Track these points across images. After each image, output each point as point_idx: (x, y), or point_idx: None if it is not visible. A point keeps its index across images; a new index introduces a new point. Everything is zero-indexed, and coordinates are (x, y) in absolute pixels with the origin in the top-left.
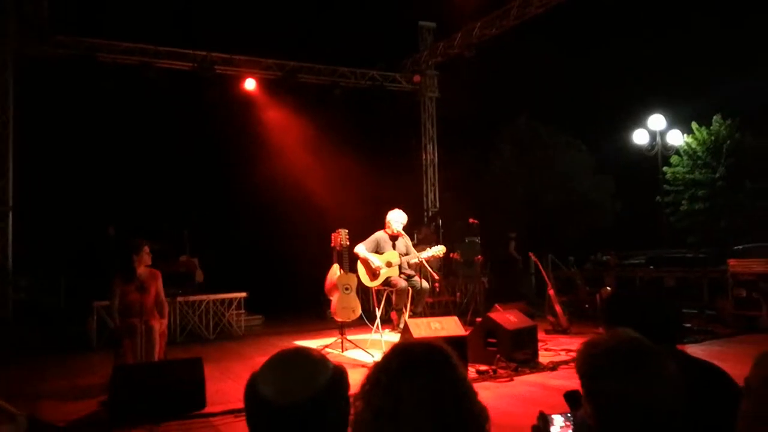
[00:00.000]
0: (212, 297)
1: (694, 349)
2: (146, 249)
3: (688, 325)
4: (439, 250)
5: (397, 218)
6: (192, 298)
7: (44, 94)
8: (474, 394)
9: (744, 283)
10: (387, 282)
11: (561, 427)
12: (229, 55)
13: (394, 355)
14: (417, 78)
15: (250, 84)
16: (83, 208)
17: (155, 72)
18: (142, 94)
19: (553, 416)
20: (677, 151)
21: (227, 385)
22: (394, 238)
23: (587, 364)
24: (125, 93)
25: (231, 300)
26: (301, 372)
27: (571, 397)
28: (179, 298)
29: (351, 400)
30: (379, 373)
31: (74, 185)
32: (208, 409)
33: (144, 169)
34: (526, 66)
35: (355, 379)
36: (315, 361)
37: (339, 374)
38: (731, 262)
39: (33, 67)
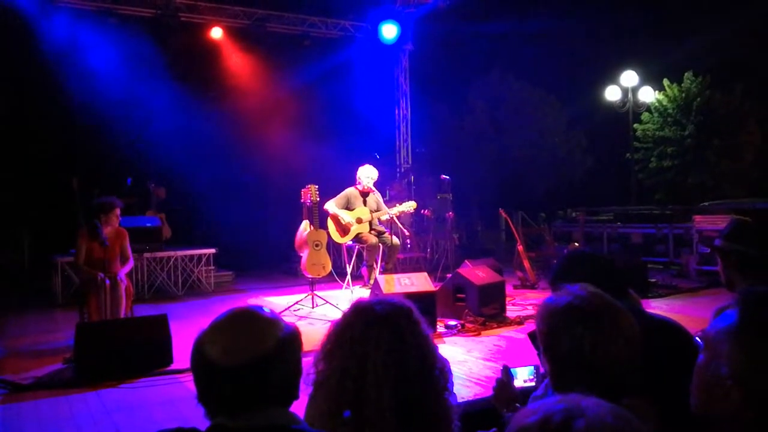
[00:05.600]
0: (180, 253)
1: (658, 304)
2: (117, 212)
3: (653, 279)
4: (409, 205)
5: (368, 174)
6: (160, 254)
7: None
8: (435, 348)
9: (709, 239)
10: (358, 238)
11: (525, 380)
12: (193, 1)
13: (355, 314)
14: (390, 29)
15: (216, 33)
16: (45, 160)
17: (116, 18)
18: (102, 40)
19: (516, 370)
20: (648, 108)
21: None
22: (365, 194)
23: (546, 319)
24: (84, 39)
25: (200, 256)
26: (248, 333)
27: (535, 336)
28: (146, 255)
29: (314, 361)
30: (340, 332)
31: (36, 136)
32: (174, 366)
33: (106, 119)
34: (500, 21)
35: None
36: (264, 321)
37: (289, 335)
38: (697, 218)
39: None
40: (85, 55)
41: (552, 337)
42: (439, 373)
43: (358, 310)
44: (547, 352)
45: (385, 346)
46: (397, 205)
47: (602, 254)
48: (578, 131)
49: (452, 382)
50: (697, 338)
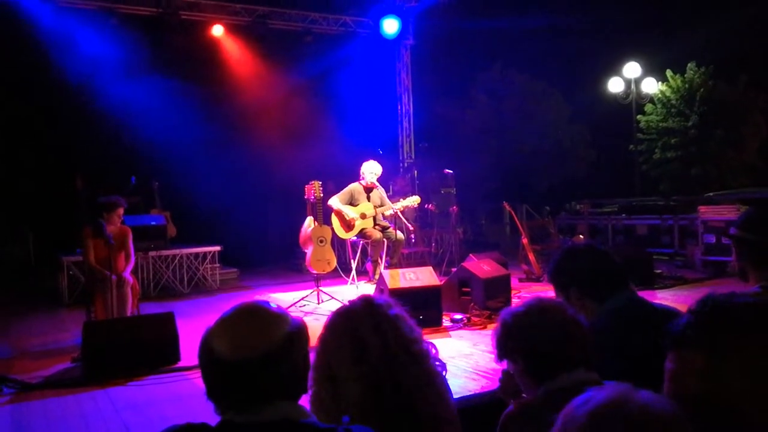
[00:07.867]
0: (185, 251)
1: (664, 295)
2: (119, 211)
3: (659, 270)
4: (413, 200)
5: (371, 169)
6: (165, 252)
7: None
8: (419, 337)
9: (714, 230)
10: (362, 233)
11: None
12: None
13: (342, 309)
14: (391, 24)
15: (217, 30)
16: (49, 159)
17: (117, 17)
18: (104, 40)
19: None
20: (651, 99)
21: None
22: (368, 189)
23: (512, 324)
24: (86, 38)
25: (205, 254)
26: (255, 327)
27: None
28: (152, 253)
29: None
30: (329, 326)
31: (39, 135)
32: (182, 363)
33: (109, 118)
34: (501, 14)
35: None
36: (271, 315)
37: (297, 329)
38: (702, 208)
39: None
40: (88, 54)
41: (517, 336)
42: (422, 354)
43: (347, 304)
44: (516, 351)
45: (370, 333)
46: (401, 200)
47: (600, 247)
48: (581, 124)
49: (444, 365)
50: None
